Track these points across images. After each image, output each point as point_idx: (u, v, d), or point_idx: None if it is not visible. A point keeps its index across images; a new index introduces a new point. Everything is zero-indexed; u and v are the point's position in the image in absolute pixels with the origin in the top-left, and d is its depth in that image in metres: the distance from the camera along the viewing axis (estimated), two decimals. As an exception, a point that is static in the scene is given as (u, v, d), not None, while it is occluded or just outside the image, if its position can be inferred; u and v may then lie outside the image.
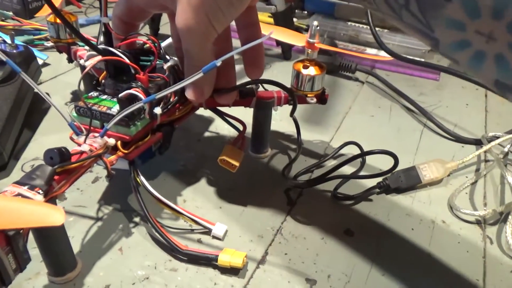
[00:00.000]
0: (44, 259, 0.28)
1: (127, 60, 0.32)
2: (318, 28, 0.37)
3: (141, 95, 0.30)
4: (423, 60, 0.64)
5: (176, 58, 0.34)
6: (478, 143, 0.47)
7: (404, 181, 0.39)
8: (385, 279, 0.31)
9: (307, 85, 0.38)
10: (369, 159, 0.43)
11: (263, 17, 0.73)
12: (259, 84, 0.40)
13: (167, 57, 0.34)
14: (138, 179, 0.33)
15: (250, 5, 0.32)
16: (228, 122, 0.40)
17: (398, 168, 0.40)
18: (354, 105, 0.54)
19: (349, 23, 0.71)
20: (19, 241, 0.23)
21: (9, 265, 0.23)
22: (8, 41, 0.47)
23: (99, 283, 0.29)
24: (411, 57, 0.61)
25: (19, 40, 0.55)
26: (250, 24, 0.34)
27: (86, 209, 0.35)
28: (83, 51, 0.42)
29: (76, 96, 0.50)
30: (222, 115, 0.40)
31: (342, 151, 0.44)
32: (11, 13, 0.64)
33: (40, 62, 0.53)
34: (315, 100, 0.39)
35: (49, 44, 0.43)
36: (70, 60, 0.45)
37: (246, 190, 0.39)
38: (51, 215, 0.21)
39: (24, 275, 0.29)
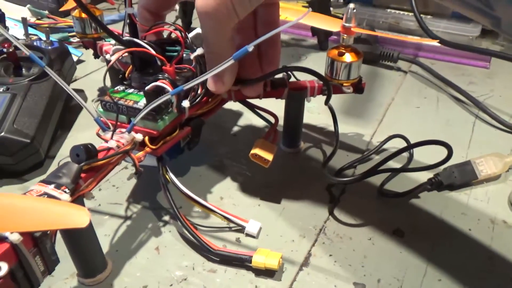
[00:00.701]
0: (74, 260, 0.27)
1: (152, 51, 0.30)
2: (354, 11, 0.34)
3: (168, 87, 0.29)
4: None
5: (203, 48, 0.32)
6: (538, 135, 0.42)
7: (458, 177, 0.36)
8: (441, 284, 0.28)
9: (343, 73, 0.35)
10: (417, 152, 0.40)
11: (297, 6, 0.70)
12: (291, 75, 0.37)
13: (194, 47, 0.32)
14: (167, 176, 0.31)
15: (273, 1, 0.30)
16: (259, 114, 0.38)
17: (450, 163, 0.37)
18: (397, 96, 0.51)
19: (389, 10, 0.67)
20: (47, 243, 0.22)
21: (37, 268, 0.22)
22: (44, 38, 0.47)
23: (136, 283, 0.28)
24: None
25: (54, 38, 0.55)
26: (271, 22, 0.32)
27: (121, 207, 0.34)
28: (108, 45, 0.41)
29: (102, 92, 0.49)
30: (252, 107, 0.38)
31: (386, 146, 0.41)
32: (46, 12, 0.65)
33: (75, 59, 0.53)
34: (351, 89, 0.36)
35: (75, 39, 0.43)
36: (96, 56, 0.44)
37: (284, 186, 0.37)
38: (75, 217, 0.19)
39: (60, 276, 0.28)
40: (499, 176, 0.37)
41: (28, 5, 0.64)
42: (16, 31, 0.58)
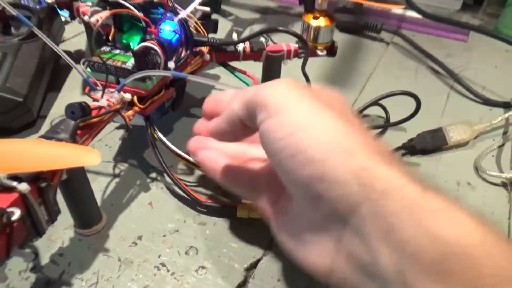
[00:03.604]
0: (71, 211, 0.29)
1: (137, 13, 0.31)
2: None
3: (157, 48, 0.30)
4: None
5: (186, 11, 0.33)
6: (506, 106, 0.45)
7: (430, 142, 0.39)
8: (409, 237, 0.32)
9: (317, 37, 0.38)
10: (393, 117, 0.42)
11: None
12: (269, 39, 0.39)
13: (178, 9, 0.33)
14: (155, 134, 0.33)
15: None
16: (238, 77, 0.39)
17: (424, 130, 0.39)
18: (378, 66, 0.53)
19: (375, -20, 0.68)
20: (50, 193, 0.24)
21: (42, 216, 0.24)
22: (31, -3, 0.46)
23: (131, 234, 0.30)
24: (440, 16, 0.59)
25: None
26: None
27: (113, 165, 0.36)
28: (85, 7, 0.41)
29: (80, 55, 0.49)
30: (232, 70, 0.39)
31: (366, 112, 0.43)
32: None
33: (62, 19, 0.52)
34: (325, 52, 0.39)
35: (50, 0, 0.42)
36: (72, 17, 0.44)
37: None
38: (88, 156, 0.21)
39: (59, 226, 0.30)
40: (468, 142, 0.40)
41: (10, -38, 0.63)
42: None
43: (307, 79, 0.40)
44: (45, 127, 0.40)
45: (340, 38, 0.58)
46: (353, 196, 0.18)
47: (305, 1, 0.62)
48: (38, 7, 0.44)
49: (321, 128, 0.19)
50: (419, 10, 0.55)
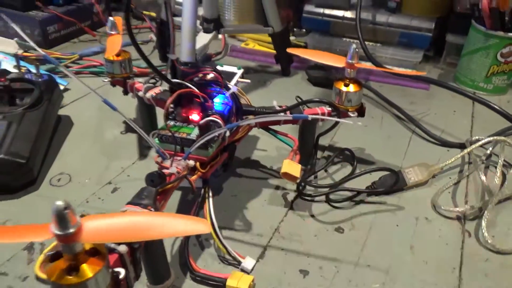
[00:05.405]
0: (147, 269, 0.31)
1: (197, 91, 0.36)
2: (357, 50, 0.40)
3: (220, 121, 0.35)
4: (413, 72, 0.68)
5: (236, 87, 0.38)
6: (462, 146, 0.50)
7: (391, 184, 0.43)
8: (370, 269, 0.35)
9: (349, 101, 0.42)
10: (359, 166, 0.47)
11: (264, 36, 0.78)
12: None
13: (229, 86, 0.38)
14: (207, 195, 0.36)
15: None
16: (280, 139, 0.44)
17: (387, 172, 0.44)
18: (348, 115, 0.58)
19: (344, 39, 0.76)
20: (138, 253, 0.26)
21: (132, 274, 0.26)
22: (33, 70, 0.52)
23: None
24: (399, 70, 0.65)
25: (42, 69, 0.61)
26: None
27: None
28: (138, 83, 0.46)
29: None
30: (274, 133, 0.44)
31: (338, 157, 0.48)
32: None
33: (61, 87, 0.58)
34: (356, 114, 0.43)
35: (106, 79, 0.47)
36: (125, 93, 0.48)
37: (247, 194, 0.43)
38: (199, 225, 0.23)
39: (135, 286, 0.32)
40: (427, 181, 0.45)
41: (16, 39, 0.70)
42: (5, 63, 0.64)
43: (316, 145, 0.45)
44: (44, 184, 0.44)
45: (313, 91, 0.64)
46: None
47: (281, 61, 0.69)
48: (40, 80, 0.50)
49: None
50: (380, 65, 0.61)
